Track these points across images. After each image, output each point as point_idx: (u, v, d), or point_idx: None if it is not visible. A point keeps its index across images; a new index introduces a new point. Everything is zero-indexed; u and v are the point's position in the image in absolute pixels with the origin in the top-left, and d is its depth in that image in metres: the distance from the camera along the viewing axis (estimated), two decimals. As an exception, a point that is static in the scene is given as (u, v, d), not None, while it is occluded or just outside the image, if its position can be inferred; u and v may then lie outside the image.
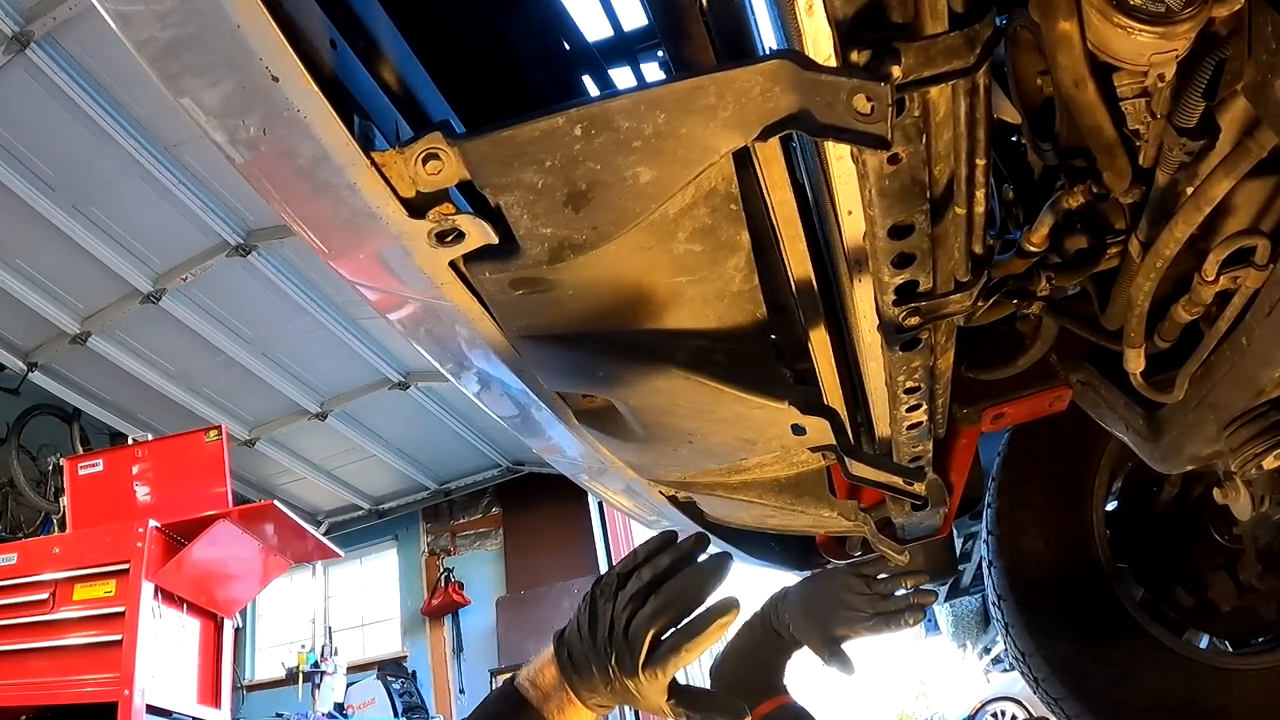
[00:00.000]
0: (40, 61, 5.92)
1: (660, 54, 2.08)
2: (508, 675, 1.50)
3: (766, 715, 2.22)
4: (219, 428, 6.64)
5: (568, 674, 1.37)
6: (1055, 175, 1.44)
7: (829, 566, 2.43)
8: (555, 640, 1.42)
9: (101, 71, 6.13)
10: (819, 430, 1.43)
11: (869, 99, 0.89)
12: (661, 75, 2.06)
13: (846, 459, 1.57)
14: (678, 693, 1.34)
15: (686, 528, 2.19)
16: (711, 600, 1.36)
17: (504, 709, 1.43)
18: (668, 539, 1.44)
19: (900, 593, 2.26)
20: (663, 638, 1.33)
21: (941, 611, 7.79)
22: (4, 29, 5.73)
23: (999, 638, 3.36)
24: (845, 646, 2.22)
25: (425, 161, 0.98)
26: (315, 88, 0.90)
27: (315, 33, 0.93)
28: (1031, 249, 1.47)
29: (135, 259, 7.82)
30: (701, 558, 1.43)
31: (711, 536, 2.13)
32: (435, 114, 1.30)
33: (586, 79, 2.02)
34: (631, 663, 1.30)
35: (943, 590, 6.25)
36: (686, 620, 1.33)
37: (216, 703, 5.95)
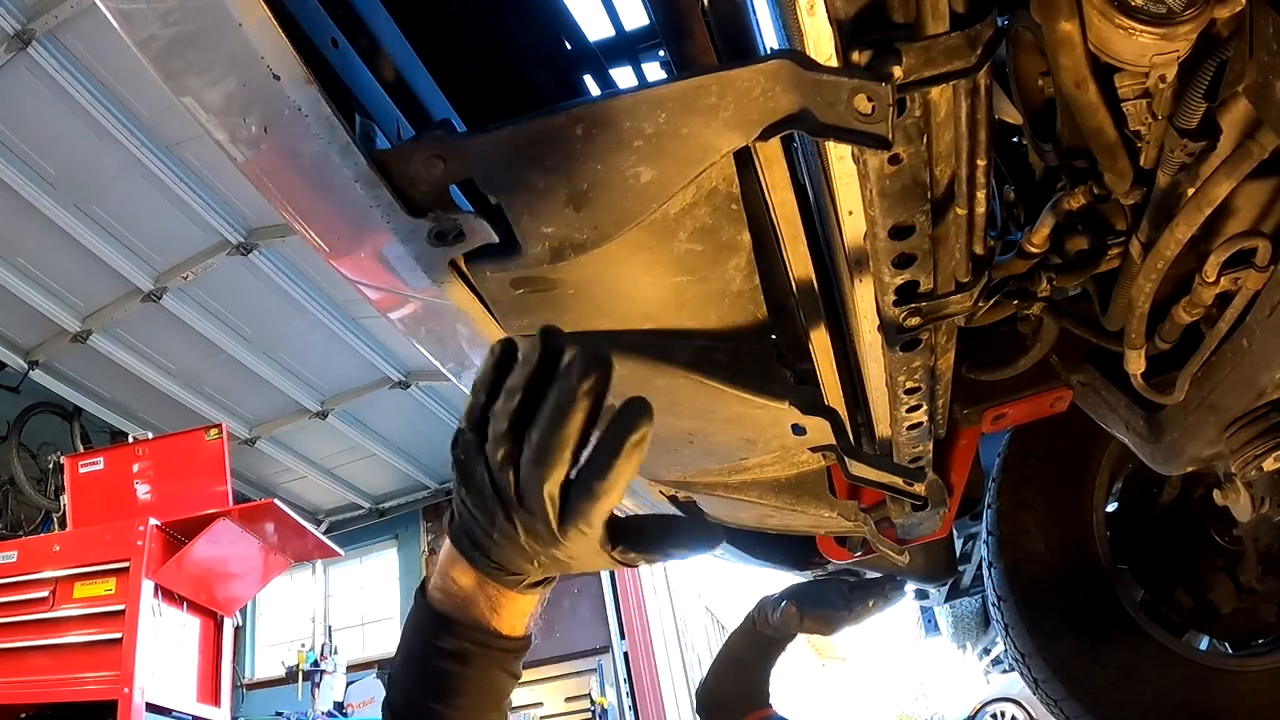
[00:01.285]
0: (42, 59, 5.93)
1: (662, 54, 2.08)
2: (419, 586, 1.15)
3: None
4: (219, 426, 6.65)
5: (484, 569, 1.05)
6: (1056, 176, 1.44)
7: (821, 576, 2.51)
8: (450, 532, 1.07)
9: (103, 70, 6.14)
10: (819, 430, 1.43)
11: (870, 99, 0.89)
12: (663, 75, 2.06)
13: (847, 459, 1.58)
14: (620, 537, 1.00)
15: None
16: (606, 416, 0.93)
17: (425, 628, 1.13)
18: (505, 354, 0.98)
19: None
20: (572, 479, 0.94)
21: (941, 612, 7.79)
22: (6, 27, 5.73)
23: (999, 639, 3.35)
24: (833, 640, 2.30)
25: (426, 160, 0.98)
26: (317, 87, 0.90)
27: (317, 31, 0.93)
28: (1032, 250, 1.47)
29: (136, 257, 7.82)
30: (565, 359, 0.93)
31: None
32: (437, 113, 1.31)
33: (588, 79, 2.02)
34: (547, 531, 0.95)
35: (943, 591, 6.25)
36: (588, 451, 0.93)
37: (216, 701, 5.95)
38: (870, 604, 2.41)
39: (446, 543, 1.09)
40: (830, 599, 2.40)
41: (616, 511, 0.97)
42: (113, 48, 5.78)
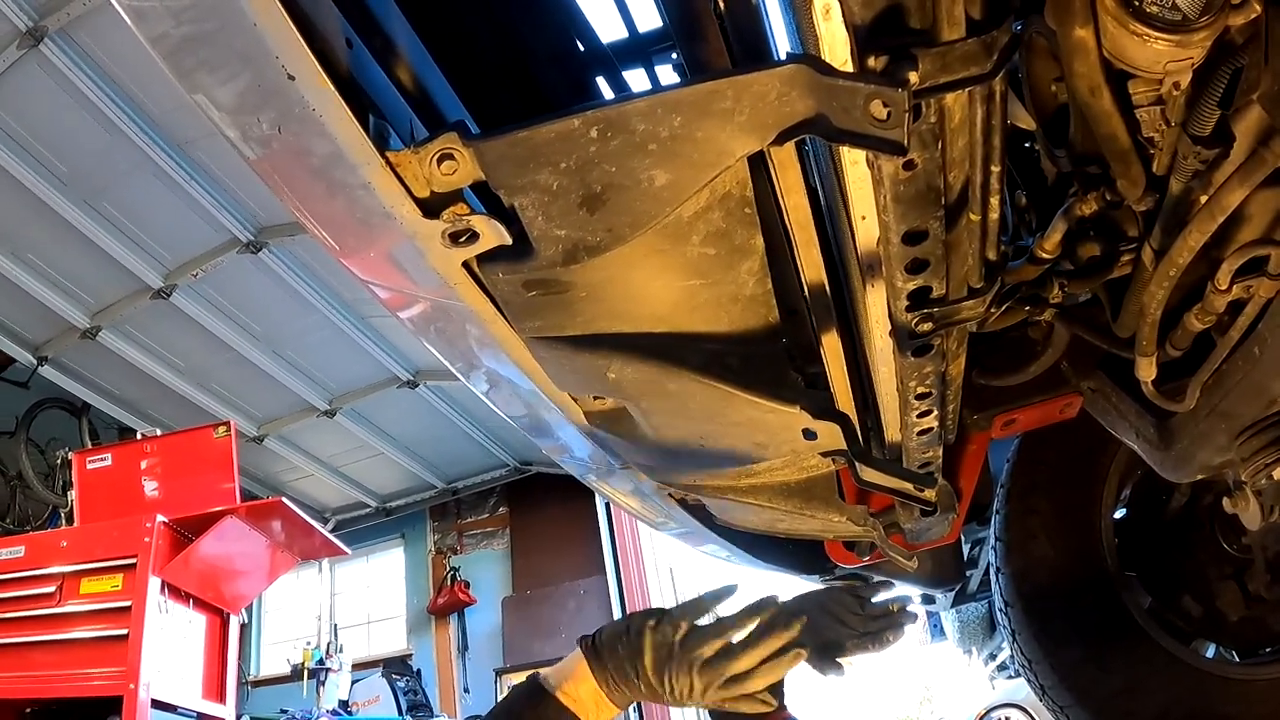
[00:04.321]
0: (54, 56, 5.93)
1: (675, 56, 2.08)
2: (531, 672, 1.66)
3: None
4: (228, 424, 6.65)
5: (605, 685, 1.55)
6: (1069, 182, 1.44)
7: (824, 585, 2.45)
8: (587, 650, 1.59)
9: (115, 67, 6.14)
10: (830, 435, 1.43)
11: (885, 104, 0.88)
12: (676, 78, 2.06)
13: (857, 464, 1.57)
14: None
15: (694, 530, 2.19)
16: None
17: (536, 702, 1.58)
18: (763, 603, 1.64)
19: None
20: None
21: (947, 617, 7.78)
22: (18, 24, 5.74)
23: (1005, 644, 3.35)
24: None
25: (440, 162, 0.98)
26: (331, 87, 0.90)
27: (331, 31, 0.93)
28: (1044, 256, 1.46)
29: (146, 254, 7.83)
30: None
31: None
32: (450, 114, 1.31)
33: (600, 80, 2.02)
34: (702, 689, 1.52)
35: (949, 596, 6.24)
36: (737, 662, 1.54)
37: (221, 698, 5.96)
38: (891, 639, 2.14)
39: (581, 658, 1.58)
40: (830, 622, 2.20)
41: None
42: (125, 45, 5.80)
